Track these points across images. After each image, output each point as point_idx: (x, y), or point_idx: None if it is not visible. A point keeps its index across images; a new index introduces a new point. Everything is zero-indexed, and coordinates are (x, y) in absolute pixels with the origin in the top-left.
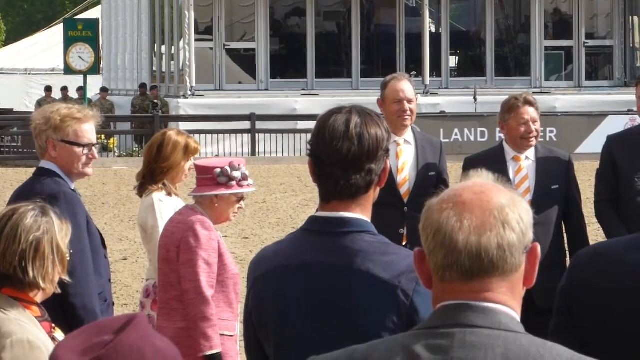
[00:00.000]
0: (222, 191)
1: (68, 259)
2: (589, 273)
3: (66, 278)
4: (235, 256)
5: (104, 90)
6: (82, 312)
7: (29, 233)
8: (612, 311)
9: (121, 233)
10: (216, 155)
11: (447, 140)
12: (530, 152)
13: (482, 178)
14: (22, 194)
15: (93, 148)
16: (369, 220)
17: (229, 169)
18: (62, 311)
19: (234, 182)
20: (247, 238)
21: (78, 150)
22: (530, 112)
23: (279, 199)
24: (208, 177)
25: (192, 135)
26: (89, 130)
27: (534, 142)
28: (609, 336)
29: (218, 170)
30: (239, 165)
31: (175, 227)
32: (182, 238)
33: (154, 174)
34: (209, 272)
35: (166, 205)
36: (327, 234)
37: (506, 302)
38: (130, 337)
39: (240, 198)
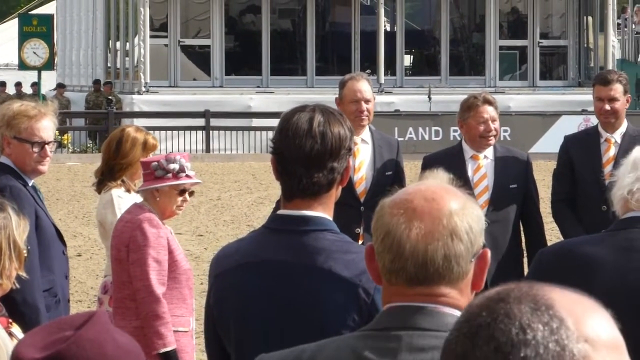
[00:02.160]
0: (158, 184)
1: (25, 254)
2: (556, 270)
3: (23, 274)
4: (189, 253)
5: (60, 86)
6: (23, 307)
7: None
8: None
9: (75, 229)
10: (170, 152)
11: (401, 139)
12: (489, 151)
13: (437, 179)
14: None
15: (46, 146)
16: (330, 218)
17: (164, 162)
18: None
19: (170, 175)
20: (201, 235)
21: (29, 147)
22: (489, 111)
23: (233, 196)
24: (148, 172)
25: None
26: (41, 128)
27: (492, 141)
28: None
29: (155, 164)
30: (175, 157)
31: (124, 226)
32: (130, 237)
33: (112, 171)
34: (159, 269)
35: (125, 201)
36: (289, 232)
37: (454, 304)
38: (91, 332)
39: (182, 191)
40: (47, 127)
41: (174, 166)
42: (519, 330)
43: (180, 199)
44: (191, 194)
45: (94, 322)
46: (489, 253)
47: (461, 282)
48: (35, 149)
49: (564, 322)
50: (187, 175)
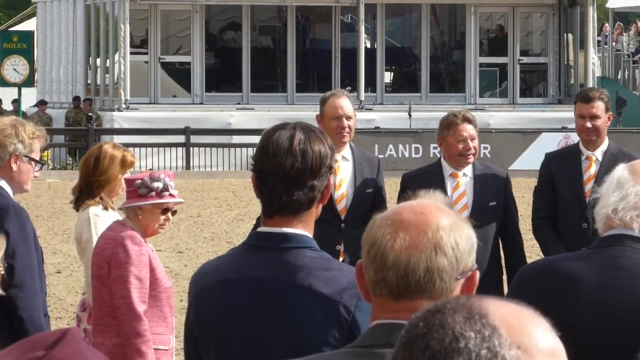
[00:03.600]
0: (141, 202)
1: (2, 272)
2: (538, 287)
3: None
4: (169, 270)
5: (42, 103)
6: (30, 326)
7: None
8: (572, 324)
9: (55, 246)
10: (150, 169)
11: (381, 156)
12: (468, 169)
13: (432, 199)
14: None
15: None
16: (311, 236)
17: (148, 180)
18: (7, 324)
19: (153, 193)
20: (181, 252)
21: (33, 167)
22: (468, 130)
23: (213, 213)
24: (131, 190)
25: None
26: (39, 149)
27: (471, 159)
28: (567, 350)
29: (138, 182)
30: (159, 176)
31: (105, 244)
32: (112, 254)
33: (90, 188)
34: (141, 287)
35: (102, 219)
36: (269, 249)
37: None
38: (63, 352)
39: (165, 209)
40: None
41: (158, 185)
42: (452, 339)
43: (162, 217)
44: (174, 213)
45: (67, 341)
46: (477, 275)
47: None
48: (37, 168)
49: (497, 330)
50: (170, 194)
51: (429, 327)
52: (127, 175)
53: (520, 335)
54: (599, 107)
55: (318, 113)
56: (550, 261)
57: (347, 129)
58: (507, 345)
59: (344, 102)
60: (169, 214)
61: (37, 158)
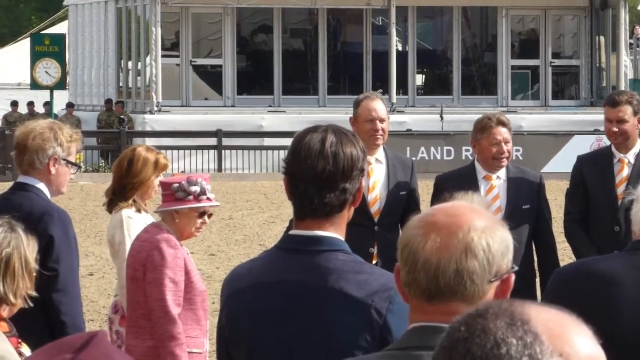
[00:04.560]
0: (179, 206)
1: (34, 274)
2: (575, 289)
3: (33, 293)
4: (201, 273)
5: (70, 105)
6: (71, 330)
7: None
8: (610, 328)
9: (87, 248)
10: (182, 172)
11: (413, 158)
12: (502, 172)
13: (470, 201)
14: (6, 209)
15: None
16: (342, 238)
17: (186, 184)
18: (48, 327)
19: (191, 197)
20: (213, 255)
21: (71, 170)
22: (502, 133)
23: (245, 215)
24: (168, 193)
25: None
26: (76, 151)
27: (505, 162)
28: (607, 352)
29: (176, 185)
30: (196, 180)
31: (141, 246)
32: (147, 257)
33: (124, 190)
34: (175, 290)
35: (135, 222)
36: (301, 252)
37: None
38: (90, 355)
39: (202, 213)
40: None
41: (195, 188)
42: (494, 345)
43: (199, 221)
44: (210, 216)
45: (95, 344)
46: (513, 278)
47: (479, 301)
48: (73, 171)
49: (538, 336)
50: (207, 198)
51: (471, 332)
52: (161, 178)
53: (561, 342)
54: (626, 110)
55: (351, 115)
56: (585, 263)
57: (380, 132)
58: (549, 352)
59: (378, 105)
60: (205, 217)
61: (74, 161)
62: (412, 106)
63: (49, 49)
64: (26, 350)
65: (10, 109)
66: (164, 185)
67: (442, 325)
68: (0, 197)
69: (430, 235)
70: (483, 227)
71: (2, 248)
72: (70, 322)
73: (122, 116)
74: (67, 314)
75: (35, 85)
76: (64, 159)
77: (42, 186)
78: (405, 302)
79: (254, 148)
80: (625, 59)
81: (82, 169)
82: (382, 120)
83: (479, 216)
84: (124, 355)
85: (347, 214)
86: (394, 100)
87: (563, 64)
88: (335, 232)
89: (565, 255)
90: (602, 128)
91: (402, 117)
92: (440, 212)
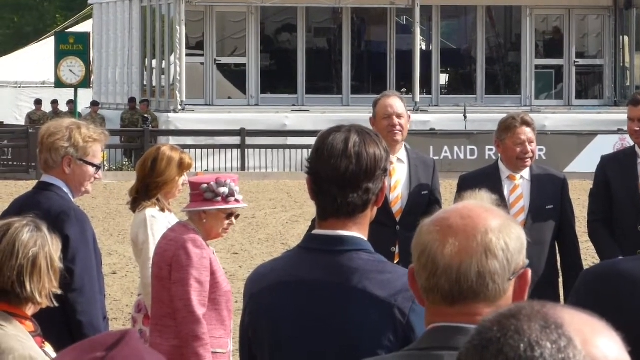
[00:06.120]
0: (207, 207)
1: (59, 273)
2: (602, 291)
3: (59, 291)
4: (224, 271)
5: (94, 104)
6: (88, 330)
7: (26, 248)
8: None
9: (110, 247)
10: (205, 171)
11: (437, 158)
12: (526, 172)
13: (478, 199)
14: (26, 208)
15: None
16: (365, 238)
17: (214, 185)
18: (66, 327)
19: (219, 198)
20: (236, 254)
21: (91, 170)
22: (526, 133)
23: (268, 214)
24: (196, 193)
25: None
26: (99, 151)
27: (529, 162)
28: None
29: (205, 186)
30: (225, 181)
31: (167, 245)
32: (174, 256)
33: (148, 189)
34: (201, 290)
35: (158, 221)
36: (324, 251)
37: None
38: (122, 353)
39: (230, 214)
40: (101, 150)
41: (224, 190)
42: (528, 347)
43: (227, 222)
44: (237, 217)
45: (126, 342)
46: (529, 273)
47: (500, 300)
48: (94, 171)
49: (572, 341)
50: (235, 200)
51: (504, 333)
52: (188, 177)
53: (592, 347)
54: None
55: (371, 116)
56: (612, 264)
57: (398, 127)
58: (582, 357)
59: (394, 101)
60: (233, 218)
61: (96, 161)
62: (435, 105)
63: (73, 47)
64: (49, 349)
65: (34, 108)
66: (193, 185)
67: (464, 325)
68: (23, 196)
69: (447, 239)
70: (499, 227)
71: (29, 248)
72: (87, 322)
73: (146, 115)
74: (83, 314)
75: (59, 83)
76: (80, 159)
77: (63, 185)
78: (421, 304)
79: (277, 147)
80: None
81: (106, 168)
82: (399, 116)
83: (493, 216)
84: (155, 354)
85: (370, 213)
86: (418, 100)
87: (587, 64)
88: (358, 232)
89: (589, 255)
90: (625, 128)
91: (426, 117)
92: (454, 214)
